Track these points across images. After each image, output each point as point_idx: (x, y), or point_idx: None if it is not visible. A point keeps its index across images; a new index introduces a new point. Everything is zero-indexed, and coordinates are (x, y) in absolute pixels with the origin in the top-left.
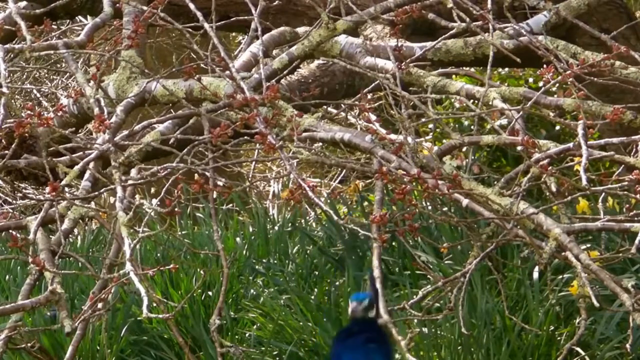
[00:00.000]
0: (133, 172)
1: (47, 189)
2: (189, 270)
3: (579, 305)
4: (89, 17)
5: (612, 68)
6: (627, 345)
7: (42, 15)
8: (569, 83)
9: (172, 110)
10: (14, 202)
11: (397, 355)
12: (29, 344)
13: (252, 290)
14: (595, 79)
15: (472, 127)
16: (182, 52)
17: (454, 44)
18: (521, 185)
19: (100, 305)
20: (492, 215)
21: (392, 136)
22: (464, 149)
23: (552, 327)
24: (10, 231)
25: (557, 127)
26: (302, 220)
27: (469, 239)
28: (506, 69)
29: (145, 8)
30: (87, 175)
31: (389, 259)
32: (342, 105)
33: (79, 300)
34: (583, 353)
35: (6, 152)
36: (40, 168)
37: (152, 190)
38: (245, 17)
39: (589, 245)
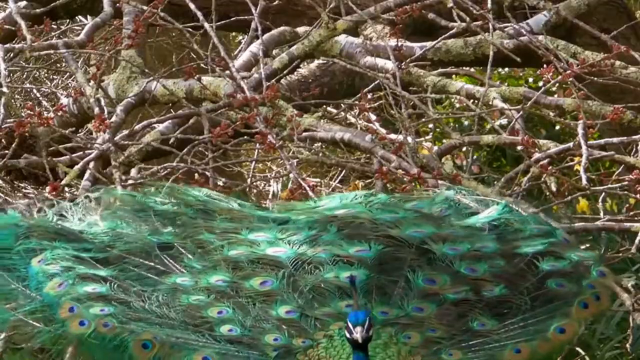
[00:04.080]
0: (133, 172)
1: (47, 189)
2: None
3: None
4: (89, 17)
5: (612, 68)
6: (627, 345)
7: (42, 15)
8: (569, 83)
9: (172, 110)
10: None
11: None
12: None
13: None
14: (595, 79)
15: (472, 127)
16: (182, 52)
17: (454, 44)
18: (521, 185)
19: None
20: None
21: (392, 136)
22: (464, 149)
23: None
24: None
25: (557, 127)
26: None
27: None
28: (506, 69)
29: (145, 8)
30: (87, 175)
31: None
32: (342, 105)
33: None
34: (583, 353)
35: (6, 152)
36: (40, 168)
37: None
38: (245, 17)
39: (588, 245)
